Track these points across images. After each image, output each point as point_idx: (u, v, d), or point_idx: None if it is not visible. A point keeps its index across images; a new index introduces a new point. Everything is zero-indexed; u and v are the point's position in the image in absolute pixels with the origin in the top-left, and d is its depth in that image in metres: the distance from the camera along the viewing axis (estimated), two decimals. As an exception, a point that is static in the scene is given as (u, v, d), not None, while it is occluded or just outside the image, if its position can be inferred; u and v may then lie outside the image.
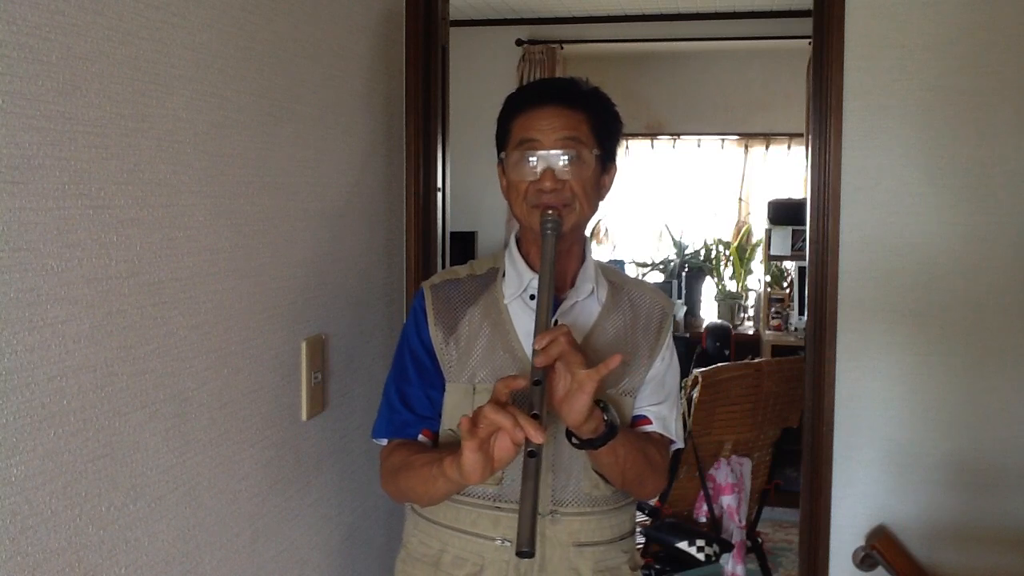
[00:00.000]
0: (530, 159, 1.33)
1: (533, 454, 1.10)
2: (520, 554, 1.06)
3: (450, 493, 1.31)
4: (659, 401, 1.44)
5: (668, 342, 1.47)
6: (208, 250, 1.25)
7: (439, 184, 2.17)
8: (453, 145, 2.26)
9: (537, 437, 1.08)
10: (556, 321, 1.37)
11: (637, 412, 1.43)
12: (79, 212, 0.99)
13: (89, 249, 1.00)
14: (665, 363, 1.45)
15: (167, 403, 1.16)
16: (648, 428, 1.42)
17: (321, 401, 1.62)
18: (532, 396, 1.14)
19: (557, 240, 1.29)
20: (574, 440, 1.25)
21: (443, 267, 2.23)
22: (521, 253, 1.43)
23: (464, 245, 4.95)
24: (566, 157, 1.32)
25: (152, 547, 1.13)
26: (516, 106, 1.38)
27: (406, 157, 2.07)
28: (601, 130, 1.37)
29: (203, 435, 1.25)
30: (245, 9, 1.33)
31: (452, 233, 2.36)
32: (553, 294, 1.25)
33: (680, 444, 1.48)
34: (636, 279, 1.56)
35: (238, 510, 1.35)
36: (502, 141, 1.40)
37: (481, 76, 5.26)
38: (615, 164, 1.43)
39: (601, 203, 1.42)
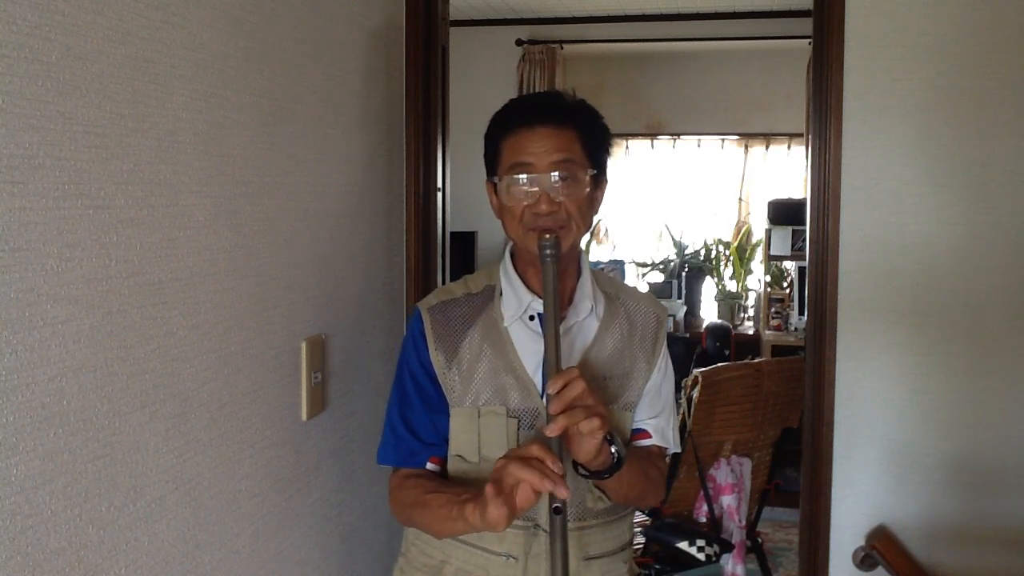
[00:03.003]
0: (524, 183, 1.31)
1: (559, 510, 1.11)
2: None
3: (468, 532, 1.30)
4: (656, 414, 1.44)
5: (664, 351, 1.47)
6: (208, 250, 1.25)
7: (439, 184, 2.17)
8: (453, 145, 2.26)
9: (562, 493, 1.10)
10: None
11: (636, 426, 1.43)
12: (79, 212, 0.99)
13: (89, 249, 1.00)
14: (661, 373, 1.45)
15: (167, 403, 1.16)
16: (647, 442, 1.42)
17: (321, 401, 1.62)
18: (550, 440, 1.15)
19: (556, 264, 1.27)
20: (582, 471, 1.25)
21: (443, 267, 2.23)
22: (517, 272, 1.41)
23: (464, 245, 4.94)
24: (561, 179, 1.30)
25: (152, 547, 1.13)
26: (504, 127, 1.35)
27: (406, 157, 2.07)
28: (592, 146, 1.35)
29: (203, 435, 1.25)
30: (245, 9, 1.33)
31: (452, 233, 2.35)
32: (558, 330, 1.24)
33: (677, 449, 1.48)
34: (629, 287, 1.55)
35: (238, 510, 1.35)
36: (492, 163, 1.37)
37: (481, 76, 5.26)
38: (606, 177, 1.40)
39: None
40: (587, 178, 1.33)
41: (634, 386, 1.41)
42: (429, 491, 1.33)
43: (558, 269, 1.27)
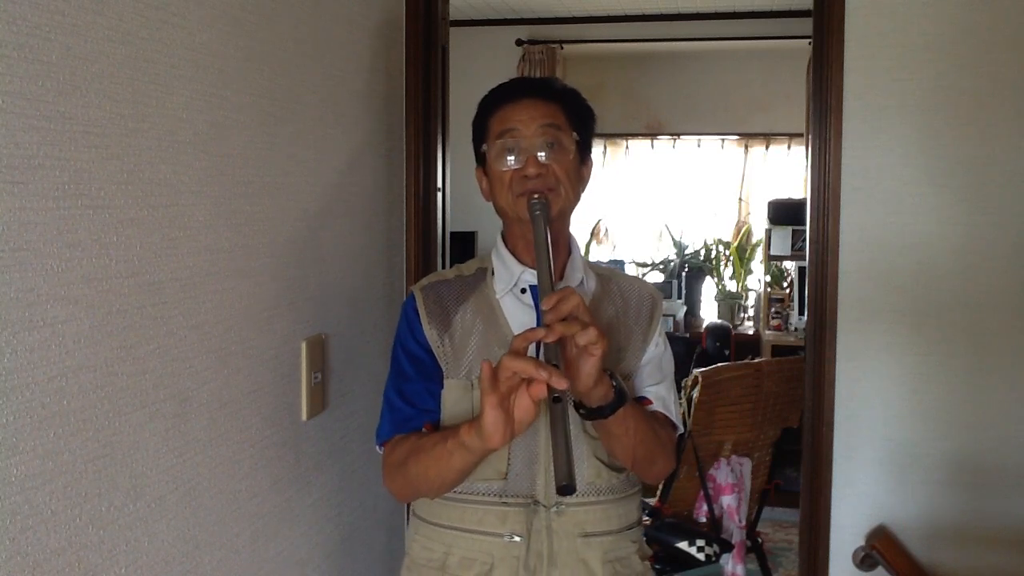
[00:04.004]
0: (512, 147, 1.34)
1: (558, 399, 1.10)
2: (561, 490, 1.05)
3: (466, 469, 1.28)
4: (657, 381, 1.44)
5: (660, 328, 1.48)
6: (208, 250, 1.25)
7: (439, 184, 2.17)
8: (453, 145, 2.26)
9: (560, 383, 1.08)
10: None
11: (637, 394, 1.42)
12: (79, 212, 0.99)
13: (89, 249, 1.00)
14: (660, 348, 1.46)
15: (167, 403, 1.16)
16: (650, 408, 1.42)
17: (321, 401, 1.62)
18: (548, 353, 1.15)
19: (546, 224, 1.29)
20: (582, 410, 1.25)
21: (443, 267, 2.23)
22: (508, 249, 1.43)
23: (464, 245, 4.94)
24: (547, 144, 1.34)
25: (152, 547, 1.14)
26: (492, 103, 1.40)
27: (406, 157, 2.07)
28: (578, 122, 1.39)
29: (203, 435, 1.25)
30: (245, 9, 1.33)
31: (452, 233, 2.36)
32: (551, 265, 1.24)
33: (681, 429, 1.48)
34: (622, 272, 1.58)
35: (238, 510, 1.35)
36: (480, 138, 1.41)
37: (481, 76, 5.21)
38: (591, 158, 1.45)
39: (583, 195, 1.43)
40: (573, 144, 1.36)
41: (631, 359, 1.42)
42: (421, 439, 1.33)
43: (547, 230, 1.27)
